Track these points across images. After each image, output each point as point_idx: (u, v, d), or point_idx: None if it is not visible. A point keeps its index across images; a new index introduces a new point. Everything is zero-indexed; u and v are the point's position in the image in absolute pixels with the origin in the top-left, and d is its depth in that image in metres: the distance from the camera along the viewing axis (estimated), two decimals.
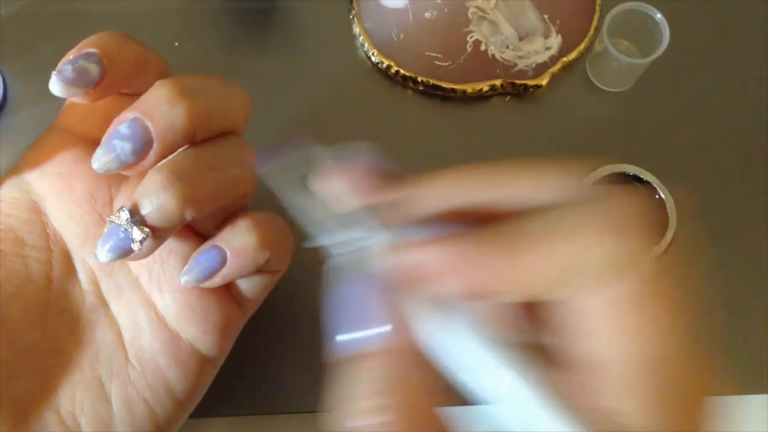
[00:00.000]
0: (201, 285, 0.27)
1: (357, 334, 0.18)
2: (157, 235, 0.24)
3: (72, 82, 0.25)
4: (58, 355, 0.27)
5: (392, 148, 0.43)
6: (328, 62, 0.45)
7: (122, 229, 0.24)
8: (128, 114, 0.24)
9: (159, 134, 0.24)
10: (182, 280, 0.27)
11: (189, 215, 0.24)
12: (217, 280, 0.27)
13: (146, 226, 0.24)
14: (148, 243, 0.24)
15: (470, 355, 0.17)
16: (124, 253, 0.24)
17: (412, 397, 0.17)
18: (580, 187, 0.17)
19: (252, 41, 0.45)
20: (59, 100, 0.31)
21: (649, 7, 0.41)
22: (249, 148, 0.27)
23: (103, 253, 0.24)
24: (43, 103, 0.43)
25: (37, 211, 0.27)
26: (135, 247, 0.24)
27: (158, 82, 0.25)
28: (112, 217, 0.24)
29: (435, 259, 0.17)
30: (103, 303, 0.28)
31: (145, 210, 0.24)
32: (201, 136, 0.25)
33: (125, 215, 0.24)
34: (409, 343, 0.18)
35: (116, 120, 0.25)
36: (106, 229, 0.24)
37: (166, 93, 0.24)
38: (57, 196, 0.27)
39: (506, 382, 0.17)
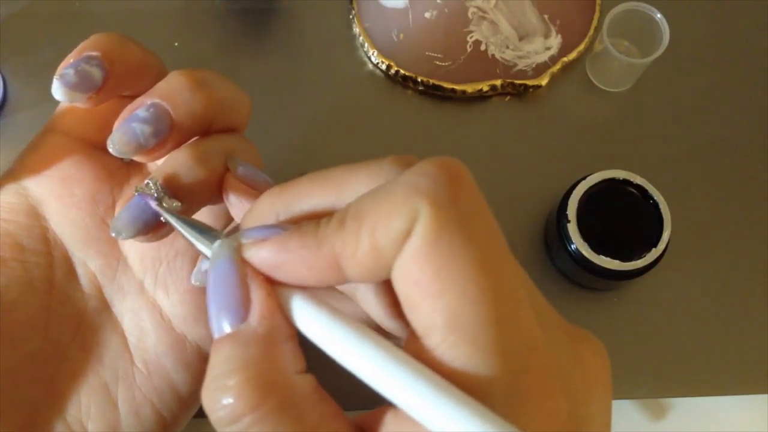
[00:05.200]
0: None
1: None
2: (185, 209, 0.24)
3: (75, 87, 0.24)
4: (62, 360, 0.26)
5: (392, 148, 0.43)
6: (328, 62, 0.45)
7: (150, 202, 0.23)
8: (146, 99, 0.24)
9: (179, 120, 0.24)
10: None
11: (214, 195, 0.24)
12: None
13: (177, 198, 0.23)
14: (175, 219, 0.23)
15: (333, 335, 0.18)
16: (148, 227, 0.23)
17: (259, 377, 0.17)
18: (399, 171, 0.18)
19: (252, 41, 0.45)
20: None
21: (649, 7, 0.41)
22: (252, 144, 0.27)
23: (125, 224, 0.23)
24: (43, 103, 0.43)
25: (36, 216, 0.27)
26: (163, 219, 0.23)
27: (174, 72, 0.25)
28: (141, 186, 0.23)
29: (267, 255, 0.18)
30: (106, 307, 0.28)
31: (178, 181, 0.23)
32: (214, 128, 0.25)
33: (155, 186, 0.23)
34: (271, 326, 0.18)
35: (130, 106, 0.24)
36: (129, 202, 0.23)
37: (186, 80, 0.24)
38: (57, 200, 0.27)
39: (366, 356, 0.17)
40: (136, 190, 0.23)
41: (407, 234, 0.16)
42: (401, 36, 0.44)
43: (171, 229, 0.24)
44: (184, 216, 0.22)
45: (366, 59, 0.45)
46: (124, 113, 0.24)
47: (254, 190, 0.24)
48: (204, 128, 0.25)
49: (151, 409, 0.27)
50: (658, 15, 0.41)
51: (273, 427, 0.17)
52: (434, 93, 0.44)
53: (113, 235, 0.23)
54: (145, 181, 0.23)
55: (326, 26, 0.45)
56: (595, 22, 0.45)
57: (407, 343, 0.18)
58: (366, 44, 0.44)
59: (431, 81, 0.43)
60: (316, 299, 0.19)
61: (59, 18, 0.45)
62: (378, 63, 0.44)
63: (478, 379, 0.16)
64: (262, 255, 0.18)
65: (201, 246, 0.21)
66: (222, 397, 0.17)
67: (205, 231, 0.21)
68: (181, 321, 0.28)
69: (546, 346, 0.17)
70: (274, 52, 0.45)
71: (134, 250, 0.28)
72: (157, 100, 0.24)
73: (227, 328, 0.18)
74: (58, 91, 0.24)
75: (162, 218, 0.23)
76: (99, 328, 0.27)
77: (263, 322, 0.18)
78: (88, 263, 0.27)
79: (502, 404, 0.16)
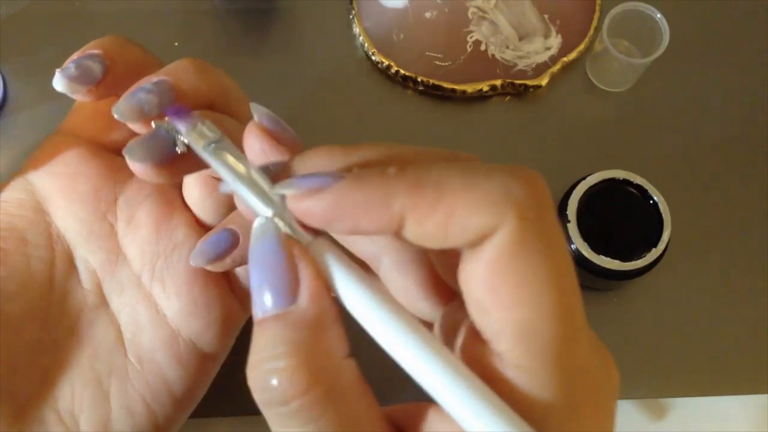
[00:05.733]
0: (209, 267, 0.27)
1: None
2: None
3: (75, 79, 0.25)
4: (58, 353, 0.27)
5: None
6: (328, 62, 0.45)
7: (169, 132, 0.23)
8: (152, 77, 0.25)
9: (184, 95, 0.25)
10: (191, 261, 0.27)
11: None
12: (228, 262, 0.27)
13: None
14: (184, 113, 0.22)
15: (376, 318, 0.17)
16: (164, 155, 0.23)
17: (310, 362, 0.17)
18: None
19: (252, 41, 0.45)
20: (59, 100, 0.31)
21: (649, 7, 0.41)
22: None
23: (140, 146, 0.23)
24: (43, 103, 0.43)
25: (41, 211, 0.28)
26: (179, 149, 0.22)
27: (180, 59, 0.26)
28: (158, 122, 0.23)
29: (324, 207, 0.17)
30: (104, 302, 0.28)
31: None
32: (217, 110, 0.26)
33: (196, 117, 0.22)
34: (320, 309, 0.18)
35: (138, 82, 0.25)
36: (150, 131, 0.23)
37: (191, 64, 0.26)
38: (61, 195, 0.28)
39: (411, 348, 0.17)
40: (156, 124, 0.23)
41: (484, 235, 0.16)
42: (401, 36, 0.44)
43: (185, 169, 0.23)
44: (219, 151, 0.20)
45: (366, 59, 0.45)
46: (132, 88, 0.25)
47: (279, 143, 0.22)
48: (206, 107, 0.26)
49: (142, 404, 0.27)
50: (658, 15, 0.41)
51: (320, 412, 0.17)
52: (434, 93, 0.44)
53: (126, 154, 0.23)
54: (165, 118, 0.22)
55: (326, 26, 0.45)
56: (595, 22, 0.45)
57: (467, 342, 0.18)
58: (366, 44, 0.44)
59: (431, 81, 0.43)
60: (362, 279, 0.18)
61: (59, 18, 0.45)
62: (378, 63, 0.44)
63: (539, 392, 0.16)
64: (317, 207, 0.17)
65: (243, 189, 0.19)
66: (271, 377, 0.17)
67: (244, 174, 0.19)
68: (176, 315, 0.28)
69: (594, 365, 0.18)
70: (274, 52, 0.45)
71: (134, 244, 0.28)
72: (164, 77, 0.25)
73: (273, 309, 0.18)
74: (58, 82, 0.25)
75: (178, 148, 0.22)
76: (96, 322, 0.28)
77: (313, 305, 0.17)
78: (89, 258, 0.28)
79: (559, 418, 0.16)
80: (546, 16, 0.45)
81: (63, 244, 0.28)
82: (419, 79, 0.43)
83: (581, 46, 0.44)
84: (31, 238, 0.27)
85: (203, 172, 0.27)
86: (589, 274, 0.37)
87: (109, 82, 0.26)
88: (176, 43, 0.44)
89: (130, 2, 0.45)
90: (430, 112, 0.44)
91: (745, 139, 0.44)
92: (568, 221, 0.37)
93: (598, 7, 0.45)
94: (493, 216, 0.16)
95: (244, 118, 0.27)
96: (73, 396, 0.26)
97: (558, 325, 0.16)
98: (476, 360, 0.17)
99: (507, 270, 0.16)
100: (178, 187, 0.29)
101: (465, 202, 0.16)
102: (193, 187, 0.29)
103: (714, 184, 0.43)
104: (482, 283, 0.17)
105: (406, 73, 0.43)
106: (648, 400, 0.42)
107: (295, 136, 0.22)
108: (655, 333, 0.40)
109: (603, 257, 0.36)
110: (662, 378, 0.39)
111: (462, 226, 0.16)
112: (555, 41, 0.44)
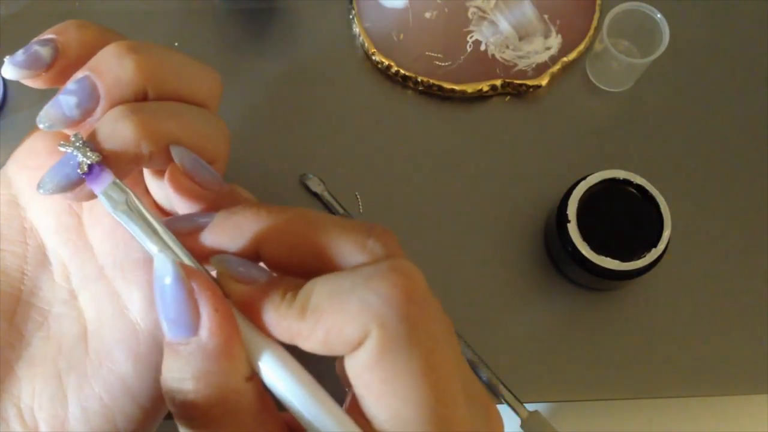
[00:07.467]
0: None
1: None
2: (110, 162, 0.23)
3: (21, 65, 0.25)
4: (25, 348, 0.27)
5: (392, 148, 0.43)
6: (328, 62, 0.45)
7: (72, 154, 0.22)
8: (78, 73, 0.24)
9: (106, 89, 0.24)
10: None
11: (145, 148, 0.23)
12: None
13: (99, 152, 0.23)
14: (97, 172, 0.22)
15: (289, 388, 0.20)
16: (69, 182, 0.23)
17: (209, 387, 0.19)
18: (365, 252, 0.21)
19: (252, 41, 0.45)
20: None
21: (649, 7, 0.41)
22: (220, 118, 0.27)
23: (46, 182, 0.23)
24: (42, 103, 0.43)
25: (16, 206, 0.28)
26: (81, 170, 0.22)
27: (108, 45, 0.25)
28: (64, 143, 0.23)
29: (238, 297, 0.21)
30: (73, 296, 0.28)
31: (100, 135, 0.23)
32: (154, 94, 0.25)
33: (79, 141, 0.22)
34: (220, 340, 0.20)
35: (67, 82, 0.24)
36: (59, 159, 0.23)
37: (116, 48, 0.24)
38: (32, 188, 0.27)
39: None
40: (60, 145, 0.23)
41: (358, 343, 0.19)
42: (401, 36, 0.44)
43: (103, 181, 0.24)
44: (130, 206, 0.22)
45: (366, 59, 0.45)
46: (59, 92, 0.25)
47: (200, 186, 0.24)
48: (140, 95, 0.24)
49: (99, 404, 0.26)
50: (658, 15, 0.41)
51: (219, 428, 0.19)
52: (434, 93, 0.44)
53: (39, 191, 0.23)
54: (71, 136, 0.23)
55: (326, 26, 0.45)
56: (595, 22, 0.45)
57: (350, 414, 0.20)
58: (366, 44, 0.44)
59: (431, 81, 0.43)
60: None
61: (59, 18, 0.44)
62: (378, 63, 0.44)
63: None
64: (237, 293, 0.21)
65: (147, 242, 0.22)
66: (177, 395, 0.19)
67: (151, 224, 0.22)
68: (136, 306, 0.27)
69: (471, 426, 0.20)
70: (274, 52, 0.45)
71: (97, 234, 0.28)
72: (87, 73, 0.24)
73: (176, 339, 0.20)
74: (6, 69, 0.25)
75: (79, 170, 0.23)
76: (65, 317, 0.27)
77: (213, 338, 0.19)
78: (59, 251, 0.28)
79: None
80: (546, 16, 0.45)
81: (36, 238, 0.28)
82: (419, 79, 0.43)
83: (581, 46, 0.44)
84: (5, 233, 0.27)
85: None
86: (589, 274, 0.37)
87: (62, 66, 0.25)
88: (176, 43, 0.44)
89: (130, 2, 0.45)
90: (430, 112, 0.44)
91: (745, 139, 0.44)
92: (568, 221, 0.37)
93: (598, 7, 0.45)
94: (360, 329, 0.19)
95: (204, 92, 0.26)
96: (34, 393, 0.26)
97: (427, 410, 0.19)
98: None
99: (375, 370, 0.19)
100: (140, 173, 0.28)
101: (336, 324, 0.19)
102: (150, 173, 0.28)
103: (714, 184, 0.43)
104: (358, 378, 0.19)
105: (406, 73, 0.43)
106: (646, 400, 0.42)
107: (216, 176, 0.24)
108: (655, 333, 0.40)
109: (603, 257, 0.36)
110: (662, 378, 0.39)
111: (340, 341, 0.19)
112: (555, 41, 0.44)
